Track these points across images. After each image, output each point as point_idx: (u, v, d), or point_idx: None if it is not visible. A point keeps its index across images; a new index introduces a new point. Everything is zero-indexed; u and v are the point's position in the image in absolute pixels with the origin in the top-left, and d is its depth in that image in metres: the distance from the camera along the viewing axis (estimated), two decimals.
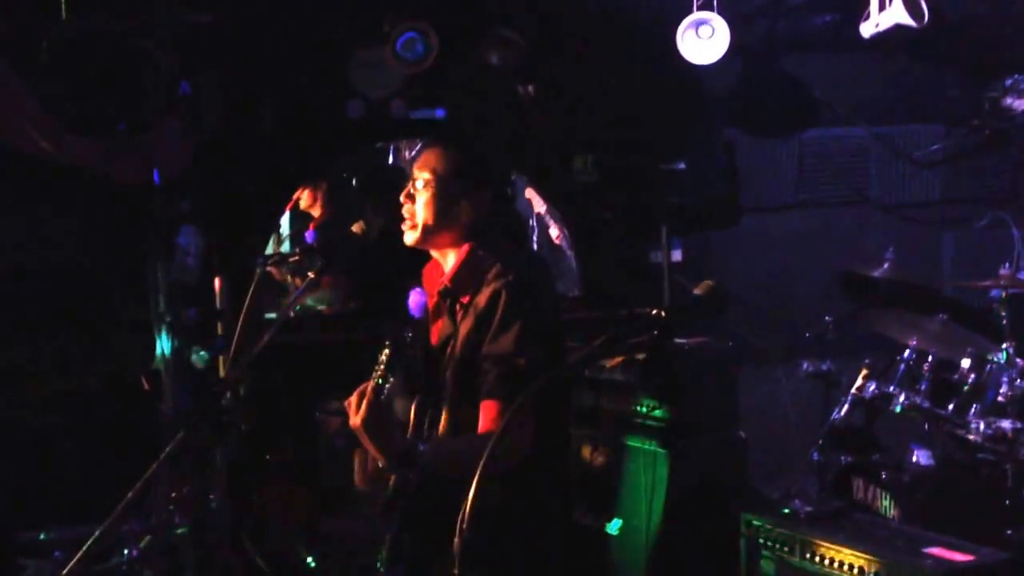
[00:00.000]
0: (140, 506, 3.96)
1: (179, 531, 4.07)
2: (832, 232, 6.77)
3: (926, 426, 4.98)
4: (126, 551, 3.98)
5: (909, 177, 6.93)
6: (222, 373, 4.03)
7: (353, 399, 3.03)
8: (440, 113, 5.73)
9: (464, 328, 3.23)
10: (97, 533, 2.94)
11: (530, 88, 5.86)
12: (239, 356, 3.28)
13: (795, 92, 6.59)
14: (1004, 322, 4.96)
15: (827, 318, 5.72)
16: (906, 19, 5.69)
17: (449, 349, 3.26)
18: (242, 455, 4.53)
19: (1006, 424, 4.54)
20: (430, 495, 3.16)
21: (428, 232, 3.29)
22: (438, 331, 3.36)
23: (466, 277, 3.26)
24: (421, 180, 3.30)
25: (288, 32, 5.45)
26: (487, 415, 3.13)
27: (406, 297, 3.44)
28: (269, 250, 6.05)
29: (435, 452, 3.10)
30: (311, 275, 3.29)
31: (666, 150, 6.07)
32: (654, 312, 2.68)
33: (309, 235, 6.32)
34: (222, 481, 3.92)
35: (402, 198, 3.33)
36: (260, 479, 5.19)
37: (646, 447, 4.69)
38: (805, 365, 5.52)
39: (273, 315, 5.20)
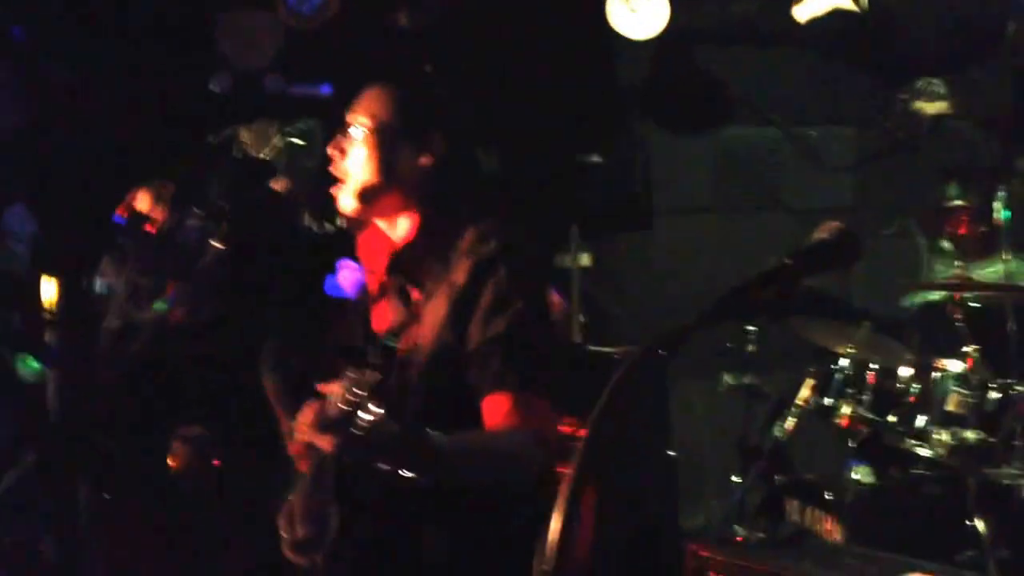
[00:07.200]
0: None
1: None
2: (746, 237, 6.33)
3: (863, 440, 4.60)
4: None
5: (820, 181, 6.55)
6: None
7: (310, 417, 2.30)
8: (325, 89, 5.05)
9: (432, 313, 2.63)
10: None
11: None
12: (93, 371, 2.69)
13: (710, 86, 6.20)
14: (958, 326, 4.59)
15: (749, 328, 5.31)
16: (846, 3, 5.41)
17: (411, 343, 2.64)
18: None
19: (969, 435, 4.22)
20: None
21: (371, 194, 2.69)
22: (383, 316, 2.74)
23: (426, 248, 2.69)
24: (359, 129, 2.69)
25: None
26: (496, 411, 2.51)
27: (331, 277, 2.78)
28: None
29: (450, 444, 2.43)
30: (214, 245, 2.66)
31: (578, 142, 5.61)
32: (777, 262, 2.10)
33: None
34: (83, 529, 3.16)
35: (330, 150, 2.72)
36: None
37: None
38: (725, 378, 5.18)
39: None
